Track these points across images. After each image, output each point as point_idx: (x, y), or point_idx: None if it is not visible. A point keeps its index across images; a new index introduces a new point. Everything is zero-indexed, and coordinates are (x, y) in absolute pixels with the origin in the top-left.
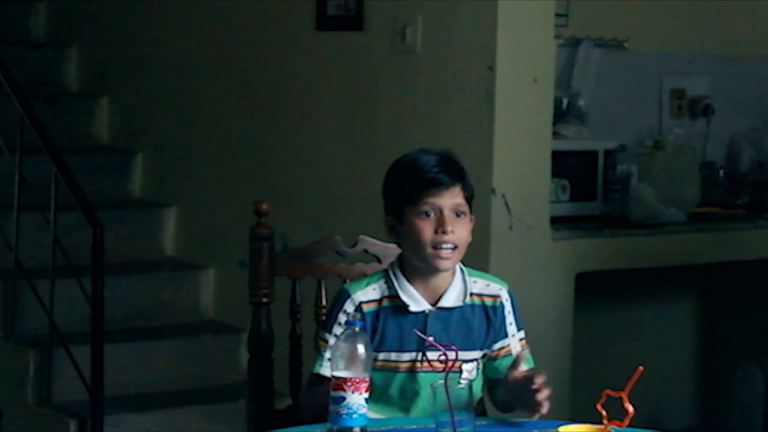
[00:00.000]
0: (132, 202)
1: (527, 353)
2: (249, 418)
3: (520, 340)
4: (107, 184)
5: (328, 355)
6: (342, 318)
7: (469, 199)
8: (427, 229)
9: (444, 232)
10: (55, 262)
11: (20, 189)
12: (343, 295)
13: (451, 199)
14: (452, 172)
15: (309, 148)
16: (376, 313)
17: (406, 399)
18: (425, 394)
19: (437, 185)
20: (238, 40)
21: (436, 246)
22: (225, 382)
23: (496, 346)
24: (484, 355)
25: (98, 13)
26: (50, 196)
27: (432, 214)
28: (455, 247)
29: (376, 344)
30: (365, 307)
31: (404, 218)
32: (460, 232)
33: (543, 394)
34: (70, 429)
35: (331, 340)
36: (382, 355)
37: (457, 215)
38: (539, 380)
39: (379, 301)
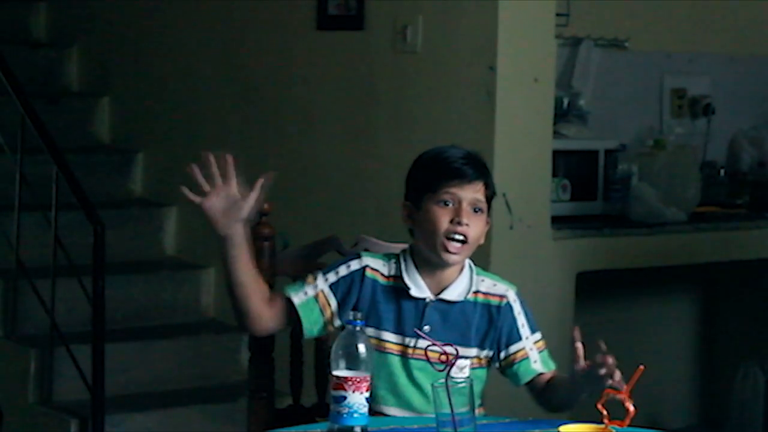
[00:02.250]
0: (133, 202)
1: (545, 355)
2: (249, 418)
3: (536, 342)
4: (108, 183)
5: (307, 289)
6: (342, 270)
7: (488, 198)
8: (443, 217)
9: (459, 223)
10: (56, 262)
11: (21, 188)
12: (354, 255)
13: (472, 193)
14: (478, 167)
15: (309, 147)
16: (379, 284)
17: (393, 384)
18: (415, 382)
19: (461, 177)
20: (238, 40)
21: (449, 236)
22: (226, 382)
23: (512, 349)
24: (490, 357)
25: (99, 13)
26: (51, 196)
27: (450, 204)
28: (466, 242)
29: (375, 321)
30: (369, 273)
31: (422, 204)
32: (474, 227)
33: (616, 376)
34: (71, 428)
35: (320, 281)
36: (372, 331)
37: (475, 210)
38: (610, 361)
39: (386, 277)
